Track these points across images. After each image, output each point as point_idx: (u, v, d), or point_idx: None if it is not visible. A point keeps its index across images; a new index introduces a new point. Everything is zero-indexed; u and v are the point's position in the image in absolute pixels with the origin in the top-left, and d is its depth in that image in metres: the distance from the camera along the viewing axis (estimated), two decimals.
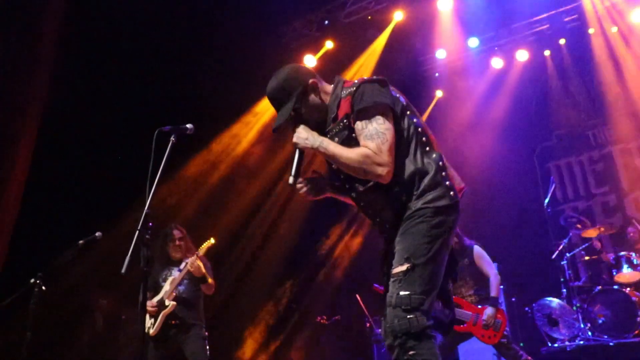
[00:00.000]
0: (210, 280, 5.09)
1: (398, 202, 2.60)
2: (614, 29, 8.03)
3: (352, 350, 7.34)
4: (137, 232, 2.83)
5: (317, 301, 7.72)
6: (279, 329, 7.38)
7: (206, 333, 5.09)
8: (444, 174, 2.63)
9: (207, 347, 5.04)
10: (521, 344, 6.76)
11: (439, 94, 9.27)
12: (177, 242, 5.20)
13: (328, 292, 7.84)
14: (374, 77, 2.71)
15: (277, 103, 2.74)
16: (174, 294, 4.99)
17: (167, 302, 4.92)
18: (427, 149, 2.67)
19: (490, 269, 5.46)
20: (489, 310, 5.23)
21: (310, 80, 2.76)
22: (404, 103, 2.76)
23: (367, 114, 2.57)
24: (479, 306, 5.36)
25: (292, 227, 7.64)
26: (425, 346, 2.36)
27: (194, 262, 4.89)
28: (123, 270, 2.75)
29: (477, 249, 5.55)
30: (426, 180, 2.59)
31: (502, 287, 5.81)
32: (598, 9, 7.74)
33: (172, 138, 3.26)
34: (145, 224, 2.86)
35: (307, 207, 7.61)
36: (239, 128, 7.73)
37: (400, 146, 2.62)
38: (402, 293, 2.40)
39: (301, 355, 7.48)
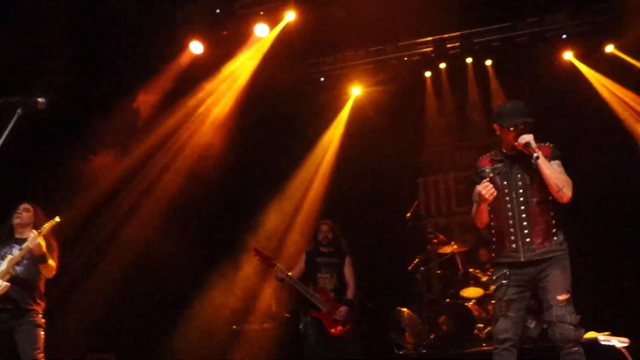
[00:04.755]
0: (51, 261, 4.70)
1: (550, 227, 3.70)
2: (489, 62, 8.62)
3: None
4: None
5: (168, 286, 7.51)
6: (129, 318, 7.07)
7: (43, 320, 4.73)
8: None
9: (43, 337, 4.67)
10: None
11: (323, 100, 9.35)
12: (22, 215, 4.79)
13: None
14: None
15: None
16: (10, 273, 4.59)
17: (0, 282, 4.51)
18: None
19: (352, 280, 6.03)
20: (344, 309, 5.77)
21: None
22: None
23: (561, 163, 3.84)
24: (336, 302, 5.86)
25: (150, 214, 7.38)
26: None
27: (35, 239, 4.51)
28: None
29: (349, 260, 6.10)
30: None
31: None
32: (476, 42, 8.24)
33: (18, 110, 3.02)
34: None
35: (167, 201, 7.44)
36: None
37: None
38: (575, 316, 3.58)
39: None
